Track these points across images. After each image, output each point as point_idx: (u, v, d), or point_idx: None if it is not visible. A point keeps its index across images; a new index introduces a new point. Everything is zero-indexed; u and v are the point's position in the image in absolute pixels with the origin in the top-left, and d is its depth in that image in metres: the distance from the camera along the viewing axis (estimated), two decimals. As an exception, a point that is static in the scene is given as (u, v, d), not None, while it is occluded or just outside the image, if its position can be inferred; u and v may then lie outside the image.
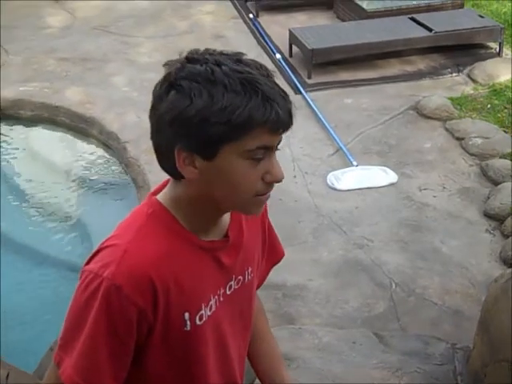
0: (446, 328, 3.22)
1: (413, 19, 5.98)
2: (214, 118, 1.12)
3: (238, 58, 1.17)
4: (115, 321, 1.16)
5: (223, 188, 1.19)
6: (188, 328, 1.23)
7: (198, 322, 1.24)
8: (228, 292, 1.30)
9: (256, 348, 1.51)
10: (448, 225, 3.93)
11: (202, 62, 1.15)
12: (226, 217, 1.29)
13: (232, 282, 1.31)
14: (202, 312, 1.25)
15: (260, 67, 1.18)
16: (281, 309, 3.34)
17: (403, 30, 5.82)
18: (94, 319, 1.16)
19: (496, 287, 2.75)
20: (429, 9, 6.27)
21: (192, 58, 1.17)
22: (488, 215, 3.96)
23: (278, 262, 1.52)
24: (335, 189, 4.27)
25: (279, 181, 1.20)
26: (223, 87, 1.12)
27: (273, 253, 1.48)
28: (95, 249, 1.24)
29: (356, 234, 3.88)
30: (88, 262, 1.22)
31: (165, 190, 1.26)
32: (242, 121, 1.12)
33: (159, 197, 1.26)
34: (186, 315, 1.23)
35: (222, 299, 1.29)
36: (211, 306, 1.27)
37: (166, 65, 1.19)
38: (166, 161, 1.20)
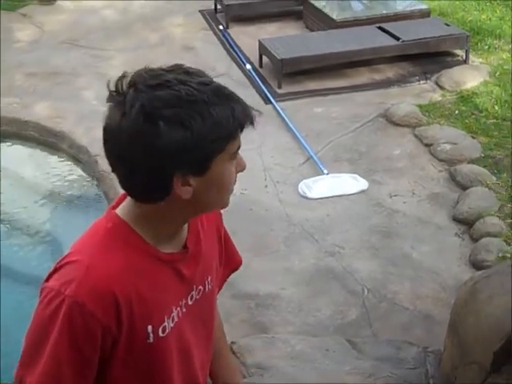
0: (418, 332, 3.24)
1: (381, 28, 6.05)
2: (210, 135, 1.13)
3: (184, 70, 1.18)
4: (78, 338, 1.16)
5: (212, 193, 1.20)
6: (151, 340, 1.23)
7: (161, 334, 1.24)
8: (190, 302, 1.31)
9: (216, 363, 1.52)
10: (418, 230, 3.97)
11: (165, 85, 1.13)
12: (184, 228, 1.30)
13: (193, 293, 1.32)
14: (165, 324, 1.25)
15: (204, 73, 1.19)
16: (254, 318, 3.34)
17: (371, 39, 5.89)
18: (57, 337, 1.16)
19: (465, 290, 2.78)
20: (397, 18, 6.34)
21: (154, 85, 1.14)
22: (457, 220, 4.01)
23: (237, 269, 1.54)
24: (306, 197, 4.28)
25: (244, 169, 1.25)
26: (204, 103, 1.13)
27: (230, 260, 1.50)
28: (55, 264, 1.23)
29: (327, 241, 3.90)
30: (48, 279, 1.21)
31: (124, 204, 1.26)
32: (234, 129, 1.15)
33: (118, 211, 1.26)
34: (149, 328, 1.23)
35: (184, 310, 1.29)
36: (173, 317, 1.27)
37: (111, 99, 1.18)
38: (152, 190, 1.17)
